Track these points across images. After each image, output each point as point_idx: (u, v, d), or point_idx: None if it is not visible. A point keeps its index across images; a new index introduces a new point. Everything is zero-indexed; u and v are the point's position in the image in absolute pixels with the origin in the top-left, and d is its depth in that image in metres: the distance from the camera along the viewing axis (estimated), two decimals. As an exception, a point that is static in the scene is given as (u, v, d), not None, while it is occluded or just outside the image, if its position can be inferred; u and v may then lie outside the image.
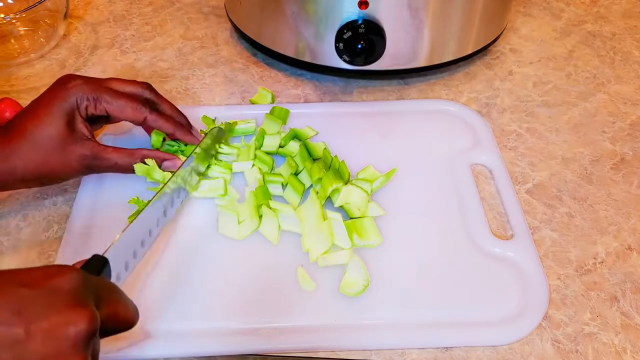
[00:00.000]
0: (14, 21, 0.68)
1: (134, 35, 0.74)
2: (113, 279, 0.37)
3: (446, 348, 0.43)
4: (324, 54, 0.62)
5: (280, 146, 0.56)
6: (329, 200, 0.51)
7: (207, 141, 0.52)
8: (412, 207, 0.52)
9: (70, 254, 0.47)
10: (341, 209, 0.50)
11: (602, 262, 0.49)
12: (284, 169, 0.53)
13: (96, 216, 0.50)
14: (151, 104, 0.51)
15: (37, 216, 0.52)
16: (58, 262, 0.47)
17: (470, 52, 0.66)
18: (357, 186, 0.50)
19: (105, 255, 0.37)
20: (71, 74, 0.49)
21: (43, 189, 0.54)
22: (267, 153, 0.55)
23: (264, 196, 0.50)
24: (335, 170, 0.52)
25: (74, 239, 0.49)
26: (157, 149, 0.53)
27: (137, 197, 0.50)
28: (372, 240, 0.48)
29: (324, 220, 0.48)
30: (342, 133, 0.59)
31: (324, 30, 0.60)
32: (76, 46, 0.73)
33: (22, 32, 0.71)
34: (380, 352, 0.42)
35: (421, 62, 0.63)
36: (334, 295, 0.45)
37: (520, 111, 0.64)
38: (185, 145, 0.53)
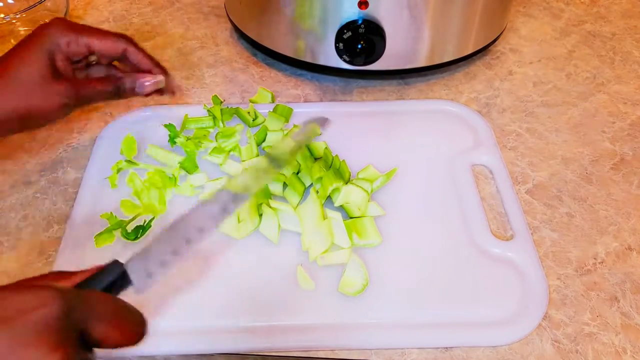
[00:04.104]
0: (14, 21, 0.68)
1: (134, 35, 0.74)
2: (133, 288, 0.34)
3: (446, 348, 0.42)
4: (324, 54, 0.62)
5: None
6: (329, 199, 0.51)
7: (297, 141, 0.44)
8: (412, 207, 0.52)
9: (70, 254, 0.47)
10: (341, 208, 0.50)
11: (602, 262, 0.49)
12: (285, 168, 0.53)
13: (96, 216, 0.50)
14: (126, 38, 0.52)
15: (37, 216, 0.52)
16: (58, 262, 0.47)
17: (470, 52, 0.66)
18: (358, 186, 0.50)
19: (125, 262, 0.34)
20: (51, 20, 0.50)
21: (43, 188, 0.54)
22: (267, 153, 0.56)
23: (264, 195, 0.50)
24: (336, 170, 0.52)
25: (74, 239, 0.49)
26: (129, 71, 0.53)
27: (111, 213, 0.49)
28: (372, 240, 0.48)
29: (324, 219, 0.48)
30: (343, 133, 0.59)
31: (324, 30, 0.60)
32: (76, 46, 0.73)
33: (22, 32, 0.71)
34: (380, 352, 0.42)
35: (421, 62, 0.63)
36: (333, 294, 0.45)
37: (520, 111, 0.64)
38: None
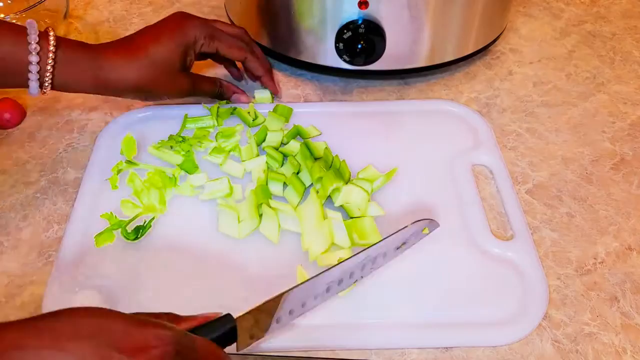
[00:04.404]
0: (14, 21, 0.68)
1: (134, 35, 0.74)
2: (238, 344, 0.37)
3: (446, 348, 0.42)
4: (324, 54, 0.62)
5: (283, 143, 0.56)
6: (329, 199, 0.51)
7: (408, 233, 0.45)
8: (412, 207, 0.52)
9: (70, 254, 0.47)
10: (341, 208, 0.50)
11: (602, 262, 0.49)
12: (286, 168, 0.53)
13: (96, 216, 0.50)
14: (249, 45, 0.60)
15: (37, 216, 0.52)
16: (58, 262, 0.47)
17: (470, 52, 0.66)
18: (358, 186, 0.50)
19: (237, 319, 0.36)
20: (184, 12, 0.57)
21: (43, 188, 0.54)
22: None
23: (264, 195, 0.50)
24: (336, 170, 0.52)
25: (74, 239, 0.49)
26: (230, 83, 0.62)
27: (111, 212, 0.49)
28: (371, 240, 0.48)
29: (324, 219, 0.48)
30: (343, 133, 0.59)
31: (324, 30, 0.60)
32: (76, 46, 0.72)
33: (22, 32, 0.71)
34: (380, 352, 0.42)
35: (421, 62, 0.63)
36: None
37: (520, 111, 0.64)
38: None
